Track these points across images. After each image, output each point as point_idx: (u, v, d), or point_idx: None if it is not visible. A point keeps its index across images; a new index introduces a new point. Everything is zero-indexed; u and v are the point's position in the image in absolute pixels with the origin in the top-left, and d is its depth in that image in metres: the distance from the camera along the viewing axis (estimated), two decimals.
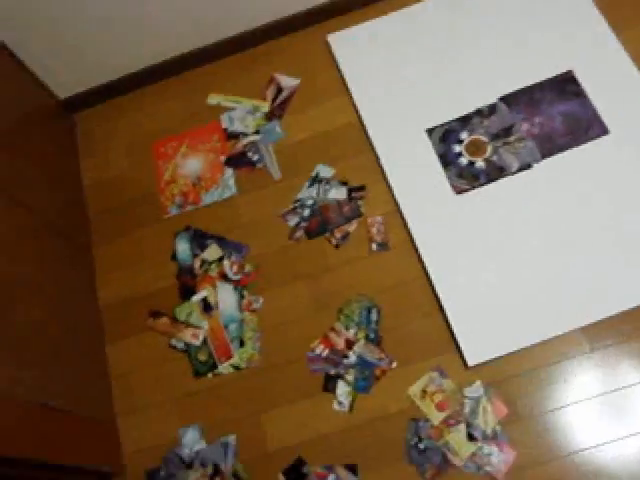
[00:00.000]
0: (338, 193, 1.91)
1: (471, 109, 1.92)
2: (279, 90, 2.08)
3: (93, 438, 1.68)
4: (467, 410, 1.64)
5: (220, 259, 1.91)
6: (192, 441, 1.74)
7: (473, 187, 1.84)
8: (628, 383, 1.60)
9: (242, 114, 2.07)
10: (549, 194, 1.79)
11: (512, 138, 1.86)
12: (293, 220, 1.91)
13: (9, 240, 1.57)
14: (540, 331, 1.66)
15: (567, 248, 1.72)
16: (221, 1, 1.95)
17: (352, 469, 1.65)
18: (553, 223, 1.76)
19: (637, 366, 1.61)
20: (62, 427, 1.54)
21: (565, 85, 1.90)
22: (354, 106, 2.00)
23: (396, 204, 1.86)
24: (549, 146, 1.84)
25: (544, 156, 1.83)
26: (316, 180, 1.94)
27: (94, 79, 2.13)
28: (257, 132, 2.04)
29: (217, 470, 1.70)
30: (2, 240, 1.54)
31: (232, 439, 1.73)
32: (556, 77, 1.92)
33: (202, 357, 1.82)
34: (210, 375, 1.80)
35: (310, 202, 1.92)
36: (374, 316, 1.77)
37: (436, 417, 1.65)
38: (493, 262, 1.74)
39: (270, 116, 2.05)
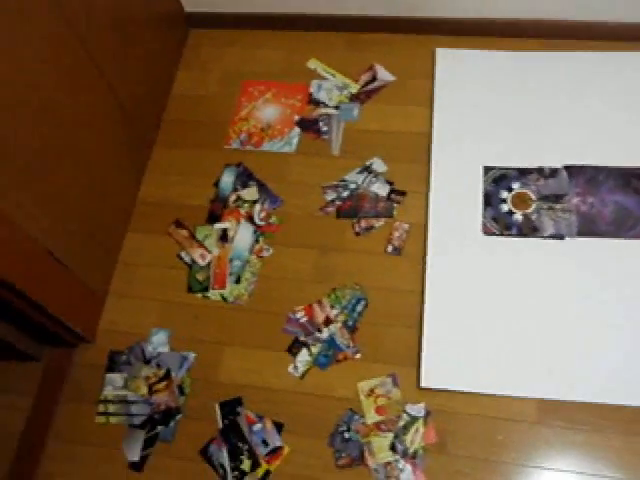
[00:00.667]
0: (380, 189, 2.00)
1: (534, 165, 1.96)
2: (373, 79, 2.18)
3: (80, 301, 1.85)
4: (401, 424, 1.71)
5: (254, 202, 2.04)
6: (159, 342, 1.89)
7: (502, 234, 1.88)
8: (551, 466, 1.62)
9: (331, 86, 2.18)
10: (569, 269, 1.81)
11: (558, 206, 1.89)
12: (331, 195, 2.01)
13: (84, 107, 1.75)
14: (499, 385, 1.70)
15: (561, 324, 1.75)
16: None
17: (279, 427, 1.75)
18: (559, 296, 1.78)
19: (567, 455, 1.63)
20: (57, 277, 1.71)
21: (632, 180, 1.91)
22: (430, 119, 2.07)
23: (425, 220, 1.93)
24: (589, 227, 1.86)
25: (580, 234, 1.86)
26: (367, 170, 2.03)
27: (224, 5, 2.29)
28: (336, 107, 2.15)
29: (168, 376, 1.83)
30: (77, 104, 1.71)
31: (192, 356, 1.86)
32: (627, 169, 1.93)
33: (200, 277, 1.96)
34: (200, 295, 1.94)
35: (353, 186, 2.01)
36: (360, 307, 1.85)
37: (371, 417, 1.72)
38: (487, 306, 1.79)
39: (354, 98, 2.16)
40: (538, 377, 1.70)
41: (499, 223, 1.90)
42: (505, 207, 1.92)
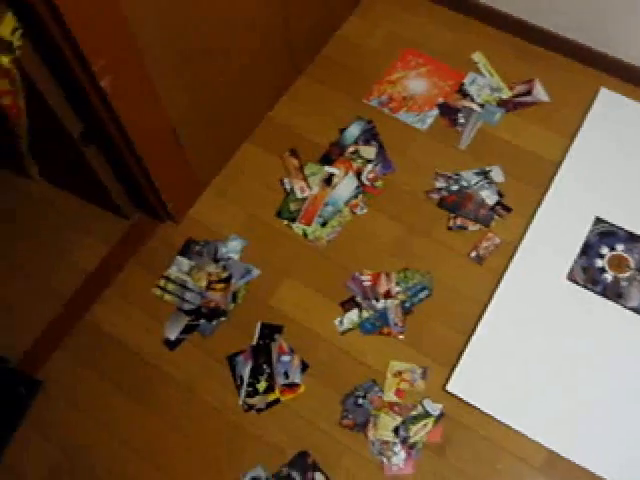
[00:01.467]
0: (489, 197, 2.00)
1: None
2: (527, 92, 2.16)
3: (181, 183, 1.98)
4: (413, 413, 1.75)
5: (368, 161, 2.09)
6: (232, 249, 1.99)
7: (585, 286, 1.86)
8: None
9: (484, 84, 2.18)
10: (638, 347, 1.78)
11: None
12: (441, 183, 2.04)
13: (254, 12, 1.83)
14: (520, 421, 1.71)
15: (608, 395, 1.72)
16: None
17: (304, 366, 1.83)
18: (616, 369, 1.75)
19: None
20: (171, 153, 1.84)
21: None
22: (566, 151, 2.04)
23: (518, 242, 1.92)
24: None
25: None
26: (484, 174, 2.04)
27: None
28: (481, 105, 2.15)
29: (228, 280, 1.95)
30: (248, 9, 1.81)
31: (256, 273, 1.96)
32: None
33: (292, 207, 2.04)
34: (285, 222, 2.03)
35: (464, 184, 2.03)
36: (422, 295, 1.89)
37: (389, 396, 1.77)
38: (541, 346, 1.78)
39: (501, 103, 2.15)
40: (563, 432, 1.69)
41: (587, 275, 1.87)
42: (600, 263, 1.88)
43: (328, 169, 2.09)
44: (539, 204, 1.98)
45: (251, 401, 1.79)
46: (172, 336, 1.89)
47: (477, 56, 2.25)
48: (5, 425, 1.79)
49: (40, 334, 1.92)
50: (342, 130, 2.15)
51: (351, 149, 2.12)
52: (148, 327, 1.91)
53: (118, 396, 1.82)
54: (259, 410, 1.78)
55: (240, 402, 1.79)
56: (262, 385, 1.81)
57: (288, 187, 2.08)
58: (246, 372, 1.82)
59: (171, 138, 1.78)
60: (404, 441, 1.72)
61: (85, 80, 1.45)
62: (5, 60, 1.43)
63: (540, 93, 2.16)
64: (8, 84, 1.53)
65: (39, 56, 1.45)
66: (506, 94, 2.17)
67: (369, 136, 2.14)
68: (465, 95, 2.18)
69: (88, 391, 1.84)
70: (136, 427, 1.79)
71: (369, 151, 2.11)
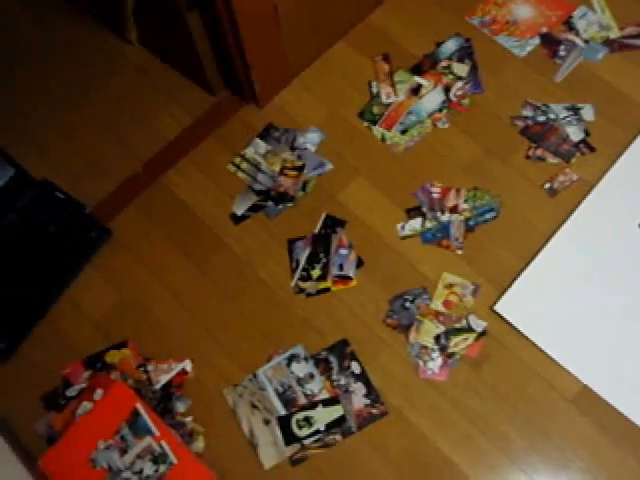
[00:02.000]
0: (575, 133, 1.97)
1: None
2: (638, 35, 2.08)
3: (274, 65, 2.00)
4: (457, 325, 1.78)
5: (459, 78, 2.07)
6: (310, 140, 2.03)
7: None
8: (556, 442, 1.66)
9: (594, 20, 2.11)
10: None
11: None
12: (528, 112, 2.01)
13: None
14: (563, 352, 1.72)
15: None
16: None
17: (360, 262, 1.87)
18: None
19: (576, 446, 1.65)
20: (268, 33, 1.86)
21: None
22: None
23: (596, 183, 1.89)
24: None
25: None
26: (575, 110, 1.99)
27: None
28: (586, 41, 2.09)
29: (301, 169, 1.99)
30: None
31: (329, 166, 2.00)
32: None
33: (375, 110, 2.05)
34: (366, 124, 2.04)
35: (552, 116, 1.99)
36: (488, 216, 1.89)
37: (436, 305, 1.81)
38: (599, 287, 1.78)
39: (608, 42, 2.08)
40: (604, 372, 1.69)
41: None
42: None
43: (417, 79, 2.08)
44: (625, 149, 1.93)
45: (303, 285, 1.85)
46: (239, 211, 1.95)
47: None
48: (74, 263, 1.91)
49: (116, 188, 2.01)
50: (438, 44, 2.13)
51: (444, 63, 2.09)
52: (218, 199, 1.97)
53: (179, 257, 1.91)
54: (309, 294, 1.85)
55: (292, 284, 1.86)
56: (316, 272, 1.86)
57: (375, 90, 2.08)
58: (303, 257, 1.88)
59: (272, 16, 1.80)
60: (443, 349, 1.76)
61: None
62: None
63: None
64: None
65: None
66: (615, 34, 2.09)
67: (464, 54, 2.11)
68: (571, 28, 2.11)
69: (152, 247, 1.93)
70: (191, 288, 1.88)
71: (462, 68, 2.08)
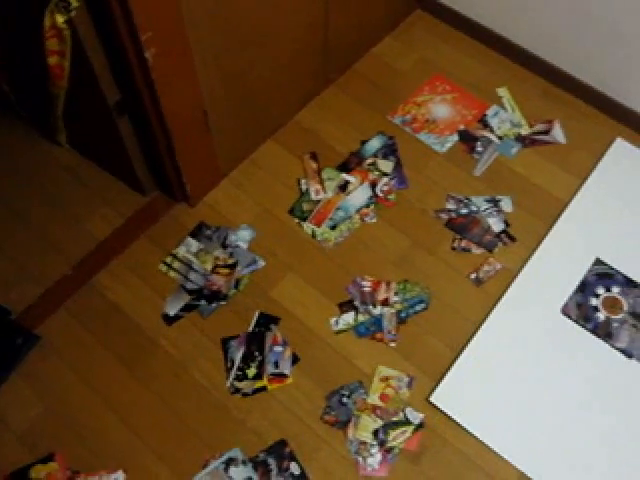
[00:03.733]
0: (496, 224, 2.06)
1: None
2: (546, 132, 2.24)
3: (203, 167, 2.04)
4: (394, 419, 1.79)
5: (385, 174, 2.16)
6: (242, 237, 2.05)
7: (577, 322, 1.91)
8: None
9: (506, 118, 2.26)
10: (620, 387, 1.82)
11: None
12: (451, 205, 2.10)
13: (296, 17, 1.92)
14: (498, 441, 1.74)
15: (584, 426, 1.76)
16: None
17: (295, 359, 1.87)
18: (598, 406, 1.79)
19: None
20: (197, 136, 1.91)
21: None
22: (575, 192, 2.11)
23: (518, 271, 1.98)
24: None
25: None
26: (494, 202, 2.10)
27: (456, 3, 2.41)
28: (500, 138, 2.23)
29: (233, 266, 2.00)
30: (290, 15, 1.89)
31: (261, 263, 2.02)
32: None
33: (305, 207, 2.11)
34: (296, 220, 2.09)
35: (474, 208, 2.09)
36: (418, 308, 1.94)
37: (373, 399, 1.81)
38: (528, 374, 1.83)
39: (519, 138, 2.22)
40: (537, 458, 1.72)
41: (580, 311, 1.92)
42: (594, 302, 1.93)
43: (345, 176, 2.15)
44: (543, 238, 2.04)
45: (239, 385, 1.83)
46: (171, 312, 1.94)
47: (503, 91, 2.33)
48: None
49: (45, 292, 1.97)
50: (363, 142, 2.23)
51: (370, 161, 2.18)
52: (150, 300, 1.95)
53: (111, 361, 1.87)
54: (245, 394, 1.82)
55: (228, 384, 1.83)
56: (251, 371, 1.85)
57: (304, 188, 2.14)
58: (238, 356, 1.87)
59: (201, 120, 1.85)
60: (382, 444, 1.75)
61: (131, 49, 1.53)
62: (60, 20, 1.51)
63: (558, 134, 2.23)
64: (57, 44, 1.61)
65: (92, 20, 1.52)
66: (525, 130, 2.24)
67: (389, 151, 2.21)
68: (486, 126, 2.25)
69: (82, 352, 1.88)
70: (123, 393, 1.82)
71: (387, 165, 2.18)
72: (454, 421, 1.77)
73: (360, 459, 1.74)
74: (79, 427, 1.78)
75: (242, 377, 1.84)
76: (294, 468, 1.73)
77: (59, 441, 1.76)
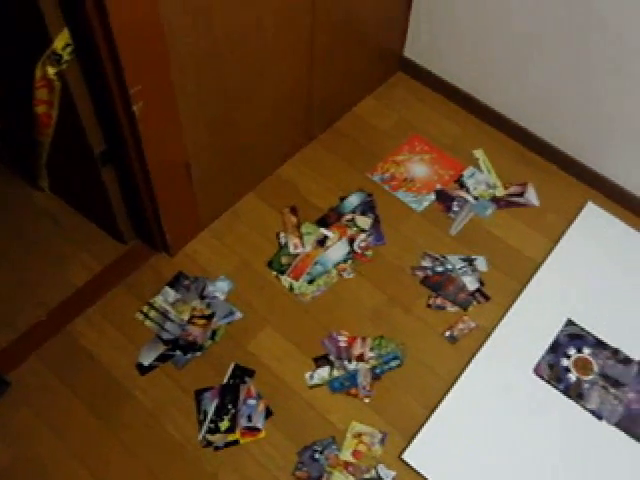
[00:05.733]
0: (470, 283, 2.10)
1: (614, 343, 2.00)
2: (520, 194, 2.30)
3: (184, 218, 2.07)
4: (366, 476, 1.78)
5: (362, 230, 2.20)
6: (220, 289, 2.07)
7: (549, 382, 1.93)
8: None
9: (482, 180, 2.33)
10: (590, 450, 1.83)
11: (613, 390, 1.92)
12: (427, 262, 2.14)
13: (282, 67, 1.99)
14: None
15: None
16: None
17: (268, 413, 1.86)
18: (569, 470, 1.80)
19: None
20: (179, 187, 1.93)
21: None
22: (547, 254, 2.16)
23: (492, 329, 2.01)
24: (630, 425, 1.87)
25: (618, 426, 1.87)
26: (469, 261, 2.14)
27: (435, 66, 2.50)
28: (476, 198, 2.29)
29: (210, 317, 2.01)
30: (278, 63, 1.96)
31: (238, 315, 2.02)
32: None
33: (283, 260, 2.13)
34: (274, 273, 2.11)
35: (449, 267, 2.13)
36: (393, 364, 1.95)
37: (345, 455, 1.81)
38: (499, 435, 1.84)
39: (495, 200, 2.29)
40: None
41: (552, 371, 1.95)
42: (566, 362, 1.96)
43: (323, 231, 2.19)
44: (516, 297, 2.07)
45: (211, 438, 1.82)
46: (146, 362, 1.93)
47: (479, 153, 2.40)
48: None
49: (17, 337, 1.95)
50: (342, 198, 2.27)
51: (348, 217, 2.22)
52: (124, 348, 1.94)
53: (83, 411, 1.84)
54: (217, 448, 1.81)
55: (200, 437, 1.82)
56: (224, 424, 1.83)
57: (283, 241, 2.17)
58: (211, 409, 1.86)
59: (184, 172, 1.89)
60: None
61: (119, 101, 1.56)
62: (51, 72, 1.55)
63: (532, 196, 2.30)
64: (47, 94, 1.64)
65: (82, 73, 1.56)
66: (500, 192, 2.30)
67: (367, 208, 2.25)
68: (462, 186, 2.32)
69: (53, 401, 1.85)
70: (94, 444, 1.80)
71: (365, 221, 2.22)
72: (426, 479, 1.77)
73: None
74: (48, 479, 1.75)
75: (214, 430, 1.83)
76: None
77: None
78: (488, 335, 2.00)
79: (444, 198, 2.29)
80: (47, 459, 1.77)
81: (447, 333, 2.01)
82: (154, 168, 1.77)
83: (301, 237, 2.18)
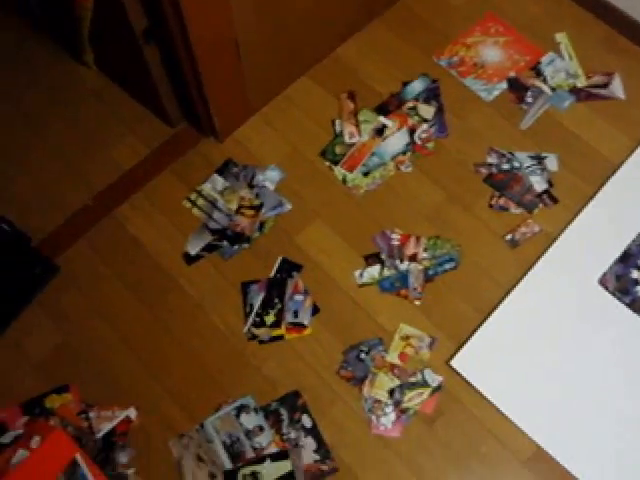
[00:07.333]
0: (538, 183, 1.94)
1: None
2: (604, 85, 2.07)
3: (233, 101, 1.94)
4: (412, 379, 1.74)
5: (424, 120, 2.03)
6: (270, 178, 1.97)
7: (614, 294, 1.81)
8: None
9: (562, 67, 2.09)
10: None
11: None
12: (492, 159, 1.98)
13: None
14: (517, 412, 1.69)
15: (611, 407, 1.69)
16: None
17: (315, 310, 1.82)
18: (630, 384, 1.71)
19: None
20: (227, 67, 1.79)
21: None
22: (629, 154, 1.96)
23: (557, 235, 1.87)
24: None
25: None
26: (539, 160, 1.97)
27: None
28: (553, 89, 2.06)
29: (259, 208, 1.93)
30: None
31: (287, 207, 1.94)
32: None
33: (337, 150, 2.00)
34: (327, 164, 1.99)
35: (516, 164, 1.96)
36: (447, 266, 1.85)
37: (392, 357, 1.76)
38: (557, 342, 1.75)
39: (574, 91, 2.06)
40: (556, 433, 1.67)
41: (619, 283, 1.81)
42: (636, 274, 1.82)
43: (382, 119, 2.03)
44: (587, 202, 1.91)
45: (256, 331, 1.79)
46: (192, 251, 1.89)
47: (561, 36, 2.15)
48: (15, 301, 1.82)
49: (65, 221, 1.92)
50: (405, 83, 2.09)
51: (410, 104, 2.05)
52: (170, 236, 1.90)
53: (129, 297, 1.84)
54: (262, 342, 1.79)
55: (245, 330, 1.80)
56: (270, 318, 1.80)
57: (338, 129, 2.03)
58: (257, 302, 1.82)
59: (232, 50, 1.74)
60: (397, 404, 1.71)
61: None
62: None
63: (617, 88, 2.06)
64: None
65: None
66: (581, 82, 2.07)
67: (431, 95, 2.07)
68: (539, 74, 2.09)
69: (101, 286, 1.85)
70: (140, 330, 1.80)
71: (428, 110, 2.05)
72: (473, 387, 1.72)
73: (373, 417, 1.70)
74: (95, 361, 1.77)
75: (260, 324, 1.80)
76: (306, 420, 1.70)
77: (75, 373, 1.76)
78: (552, 241, 1.86)
79: (517, 87, 2.08)
80: (95, 342, 1.79)
81: (508, 236, 1.89)
82: (198, 45, 1.62)
83: (358, 125, 2.03)
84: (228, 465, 1.65)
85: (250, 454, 1.67)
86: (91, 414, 1.71)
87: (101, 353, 1.78)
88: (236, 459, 1.66)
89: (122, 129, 2.05)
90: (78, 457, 1.62)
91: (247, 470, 1.65)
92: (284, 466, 1.65)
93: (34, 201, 1.96)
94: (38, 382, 1.75)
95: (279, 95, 2.08)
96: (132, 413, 1.72)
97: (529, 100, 2.06)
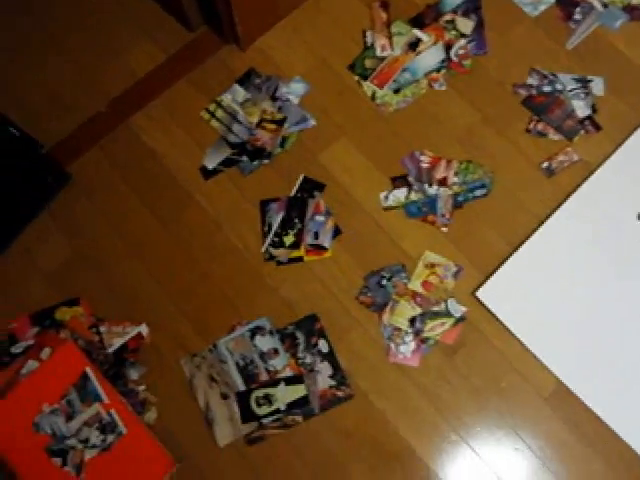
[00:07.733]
0: (581, 108, 1.81)
1: None
2: None
3: (258, 2, 1.80)
4: (435, 309, 1.67)
5: (462, 35, 1.89)
6: (294, 91, 1.86)
7: None
8: (523, 439, 1.58)
9: None
10: None
11: None
12: (533, 80, 1.84)
13: None
14: (540, 347, 1.62)
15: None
16: None
17: (337, 232, 1.74)
18: None
19: (545, 442, 1.58)
20: None
21: None
22: None
23: (598, 166, 1.75)
24: None
25: None
26: (584, 82, 1.83)
27: None
28: (605, 5, 1.90)
29: (281, 122, 1.82)
30: None
31: (311, 122, 1.84)
32: None
33: (368, 64, 1.87)
34: (356, 78, 1.87)
35: (559, 87, 1.83)
36: (478, 193, 1.75)
37: (414, 285, 1.69)
38: (588, 279, 1.67)
39: (628, 9, 1.90)
40: (581, 369, 1.60)
41: None
42: None
43: (417, 32, 1.89)
44: (633, 131, 1.78)
45: (274, 252, 1.72)
46: (210, 165, 1.79)
47: None
48: (26, 209, 1.75)
49: (78, 127, 1.83)
50: None
51: (447, 17, 1.90)
52: (187, 149, 1.81)
53: (143, 209, 1.77)
54: (280, 263, 1.72)
55: (263, 249, 1.72)
56: (289, 239, 1.73)
57: (369, 41, 1.89)
58: (276, 221, 1.74)
59: None
60: (417, 333, 1.65)
61: None
62: None
63: None
64: None
65: None
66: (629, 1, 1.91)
67: (471, 8, 1.91)
68: None
69: (114, 197, 1.78)
70: (154, 245, 1.74)
71: (466, 24, 1.90)
72: (498, 320, 1.65)
73: (392, 345, 1.65)
74: (107, 274, 1.72)
75: (278, 244, 1.72)
76: (322, 345, 1.65)
77: (86, 286, 1.71)
78: (592, 171, 1.75)
79: (566, 2, 1.92)
80: (107, 254, 1.74)
81: (544, 164, 1.77)
82: None
83: (390, 37, 1.89)
84: (241, 386, 1.61)
85: (264, 376, 1.62)
86: (102, 328, 1.67)
87: (113, 266, 1.72)
88: (249, 381, 1.62)
89: (138, 33, 1.93)
90: (89, 370, 1.58)
91: (260, 392, 1.61)
92: (298, 390, 1.61)
93: (46, 106, 1.87)
94: (49, 293, 1.70)
95: (307, 1, 1.93)
96: (144, 330, 1.68)
97: (578, 17, 1.90)
